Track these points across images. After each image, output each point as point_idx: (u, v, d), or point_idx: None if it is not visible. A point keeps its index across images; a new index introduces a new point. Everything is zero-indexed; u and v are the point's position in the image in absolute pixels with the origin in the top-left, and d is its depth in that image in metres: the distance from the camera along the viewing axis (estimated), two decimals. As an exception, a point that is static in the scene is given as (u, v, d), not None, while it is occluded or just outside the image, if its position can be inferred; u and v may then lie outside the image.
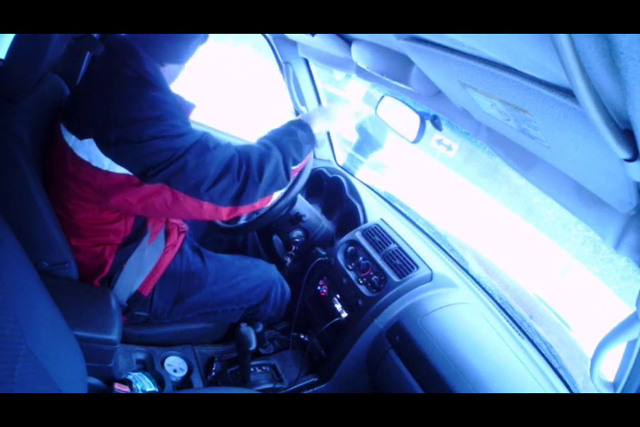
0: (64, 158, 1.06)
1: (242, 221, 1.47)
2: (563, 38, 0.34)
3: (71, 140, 1.04)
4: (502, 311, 1.32)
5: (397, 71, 0.98)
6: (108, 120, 1.01)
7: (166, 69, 1.11)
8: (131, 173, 1.02)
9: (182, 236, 1.34)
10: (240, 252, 1.70)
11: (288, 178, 1.14)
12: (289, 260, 1.52)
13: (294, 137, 1.14)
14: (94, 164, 1.02)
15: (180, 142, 1.02)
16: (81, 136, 1.03)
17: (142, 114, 1.01)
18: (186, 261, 1.31)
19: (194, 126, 1.10)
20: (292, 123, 1.19)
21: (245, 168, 1.06)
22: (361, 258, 1.42)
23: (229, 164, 1.05)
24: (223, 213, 1.09)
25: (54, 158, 1.10)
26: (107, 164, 1.02)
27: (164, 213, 1.10)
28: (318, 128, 1.20)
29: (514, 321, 1.29)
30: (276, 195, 1.17)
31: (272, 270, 1.48)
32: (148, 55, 1.06)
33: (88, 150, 1.02)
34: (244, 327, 1.32)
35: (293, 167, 1.15)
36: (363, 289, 1.35)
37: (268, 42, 1.77)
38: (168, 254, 1.27)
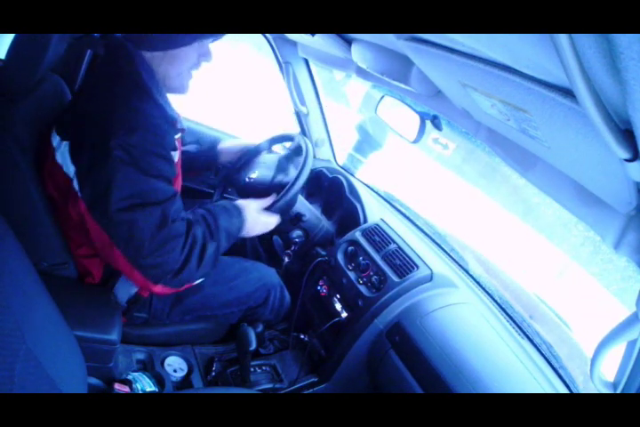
0: (47, 157, 1.04)
1: None
2: (563, 38, 0.34)
3: (56, 140, 1.03)
4: (502, 311, 1.32)
5: (397, 71, 0.98)
6: (88, 124, 0.98)
7: (155, 59, 1.05)
8: (79, 194, 0.97)
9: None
10: (239, 251, 1.70)
11: (214, 266, 1.11)
12: (287, 259, 1.52)
13: (232, 230, 1.15)
14: (64, 169, 1.00)
15: (151, 186, 0.98)
16: (63, 137, 1.01)
17: (130, 130, 0.96)
18: None
19: (191, 126, 1.07)
20: (237, 213, 1.19)
21: (187, 253, 1.03)
22: (361, 258, 1.42)
23: (178, 241, 1.02)
24: (146, 285, 1.04)
25: (43, 159, 1.08)
26: (72, 172, 0.99)
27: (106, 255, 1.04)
28: (250, 229, 1.22)
29: (514, 321, 1.29)
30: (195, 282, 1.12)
31: (272, 274, 1.47)
32: (136, 47, 1.02)
33: (63, 153, 1.00)
34: (244, 327, 1.31)
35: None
36: (363, 289, 1.35)
37: (268, 42, 1.77)
38: (168, 255, 1.27)
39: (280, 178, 1.47)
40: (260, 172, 1.51)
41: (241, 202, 1.24)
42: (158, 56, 1.05)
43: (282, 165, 1.53)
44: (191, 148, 1.51)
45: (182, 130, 1.14)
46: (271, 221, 1.29)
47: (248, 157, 1.61)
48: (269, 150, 1.58)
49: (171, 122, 1.08)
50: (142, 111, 1.00)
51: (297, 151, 1.49)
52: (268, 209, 1.28)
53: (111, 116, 0.97)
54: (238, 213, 1.19)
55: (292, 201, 1.38)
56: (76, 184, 0.99)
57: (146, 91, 1.02)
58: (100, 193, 0.96)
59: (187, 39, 1.03)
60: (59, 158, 1.01)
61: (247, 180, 1.53)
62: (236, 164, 1.62)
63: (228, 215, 1.16)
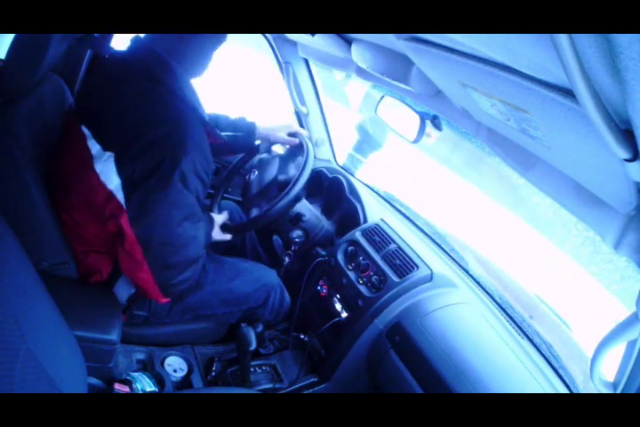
0: (82, 164, 1.04)
1: (242, 220, 1.47)
2: (563, 38, 0.34)
3: (96, 148, 1.03)
4: (502, 311, 1.32)
5: (397, 71, 0.98)
6: (138, 142, 1.00)
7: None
8: (124, 206, 1.00)
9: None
10: (239, 252, 1.70)
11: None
12: (287, 259, 1.52)
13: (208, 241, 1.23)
14: (102, 178, 1.01)
15: (185, 201, 1.03)
16: (105, 147, 1.01)
17: (181, 148, 0.99)
18: None
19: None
20: (211, 227, 1.28)
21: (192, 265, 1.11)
22: (361, 258, 1.42)
23: (191, 252, 1.08)
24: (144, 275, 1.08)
25: (69, 162, 1.08)
26: (114, 184, 1.00)
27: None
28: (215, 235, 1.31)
29: (514, 321, 1.29)
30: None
31: (272, 275, 1.48)
32: (181, 69, 1.06)
33: (104, 163, 1.01)
34: (244, 327, 1.31)
35: None
36: (363, 289, 1.35)
37: (268, 42, 1.77)
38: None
39: (280, 179, 1.48)
40: (260, 172, 1.51)
41: (212, 215, 1.33)
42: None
43: (282, 166, 1.53)
44: (229, 134, 1.55)
45: (221, 138, 1.21)
46: (223, 238, 1.36)
47: (248, 157, 1.61)
48: (269, 151, 1.59)
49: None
50: (195, 137, 1.03)
51: (297, 152, 1.49)
52: (222, 228, 1.36)
53: (167, 141, 0.99)
54: (212, 226, 1.29)
55: (294, 199, 1.38)
56: (121, 197, 1.01)
57: (194, 111, 1.06)
58: (148, 212, 1.00)
59: (208, 62, 1.13)
60: (98, 167, 1.02)
61: (247, 180, 1.54)
62: (236, 164, 1.63)
63: (209, 229, 1.25)
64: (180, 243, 1.04)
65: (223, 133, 1.53)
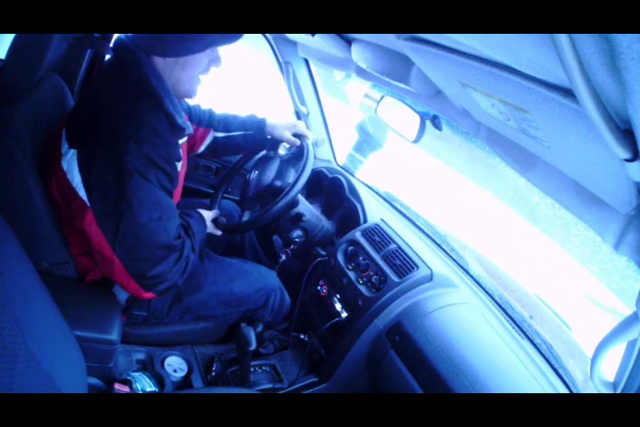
0: (53, 162, 1.06)
1: (242, 220, 1.47)
2: (563, 38, 0.34)
3: (65, 147, 1.04)
4: (502, 311, 1.32)
5: (397, 71, 0.98)
6: (97, 136, 0.99)
7: (168, 65, 1.06)
8: (87, 203, 1.00)
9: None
10: (238, 251, 1.70)
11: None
12: (283, 256, 1.51)
13: (203, 238, 1.26)
14: (68, 175, 1.02)
15: (150, 192, 1.02)
16: (70, 145, 1.02)
17: (134, 138, 0.98)
18: None
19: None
20: (204, 223, 1.29)
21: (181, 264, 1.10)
22: (361, 258, 1.42)
23: (169, 249, 1.07)
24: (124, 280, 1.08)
25: (49, 161, 1.09)
26: (76, 181, 1.01)
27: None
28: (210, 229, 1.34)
29: (514, 321, 1.29)
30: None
31: (272, 277, 1.47)
32: (148, 53, 1.03)
33: (69, 160, 1.02)
34: (244, 327, 1.31)
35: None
36: (363, 289, 1.35)
37: (268, 42, 1.77)
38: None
39: (276, 184, 1.47)
40: (260, 172, 1.51)
41: (201, 211, 1.33)
42: (170, 62, 1.06)
43: (282, 167, 1.53)
44: (239, 134, 1.55)
45: (188, 133, 1.15)
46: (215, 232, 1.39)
47: (249, 156, 1.61)
48: (275, 149, 1.58)
49: (179, 132, 1.10)
50: (151, 125, 1.01)
51: (299, 156, 1.49)
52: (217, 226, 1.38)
53: (121, 130, 0.98)
54: (204, 222, 1.29)
55: (294, 199, 1.38)
56: (83, 194, 1.01)
57: (156, 99, 1.03)
58: (111, 207, 0.99)
59: (201, 46, 1.04)
60: (64, 165, 1.03)
61: (247, 178, 1.53)
62: (236, 163, 1.63)
63: (200, 226, 1.26)
64: (145, 234, 1.02)
65: (236, 133, 1.54)
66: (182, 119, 1.09)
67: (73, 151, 1.01)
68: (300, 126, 1.52)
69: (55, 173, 1.06)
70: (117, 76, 1.05)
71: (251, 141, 1.54)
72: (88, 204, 1.01)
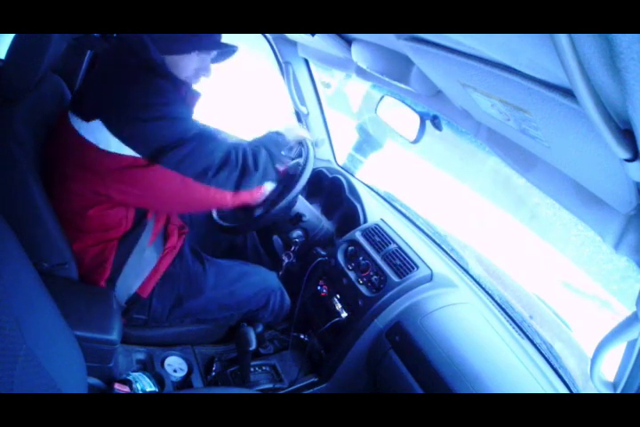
0: (69, 145, 1.06)
1: (242, 220, 1.47)
2: (563, 38, 0.34)
3: (77, 123, 1.05)
4: (502, 311, 1.32)
5: (397, 71, 0.98)
6: (117, 101, 1.04)
7: (172, 59, 1.11)
8: (139, 155, 1.04)
9: (182, 238, 1.33)
10: (240, 252, 1.70)
11: (277, 172, 1.23)
12: (286, 259, 1.52)
13: (275, 140, 1.28)
14: (101, 146, 1.03)
15: (186, 127, 1.08)
16: (87, 118, 1.03)
17: (149, 98, 1.04)
18: (185, 264, 1.31)
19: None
20: (269, 132, 1.32)
21: (242, 159, 1.15)
22: (361, 258, 1.42)
23: (229, 154, 1.13)
24: (229, 199, 1.14)
25: (59, 151, 1.09)
26: (114, 145, 1.03)
27: (172, 202, 1.14)
28: (290, 135, 1.35)
29: (514, 321, 1.29)
30: (268, 188, 1.23)
31: (272, 278, 1.47)
32: (153, 44, 1.07)
33: (94, 132, 1.03)
34: (244, 327, 1.31)
35: (277, 165, 1.25)
36: (363, 289, 1.35)
37: (268, 42, 1.77)
38: (167, 256, 1.27)
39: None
40: None
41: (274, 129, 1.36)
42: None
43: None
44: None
45: (198, 95, 1.21)
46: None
47: None
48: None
49: (184, 95, 1.16)
50: (161, 86, 1.07)
51: (298, 155, 1.48)
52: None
53: (136, 92, 1.04)
54: (280, 137, 1.31)
55: (294, 199, 1.38)
56: (127, 152, 1.04)
57: (159, 69, 1.08)
58: (156, 145, 1.05)
59: (184, 47, 1.10)
60: (89, 137, 1.04)
61: None
62: None
63: (265, 135, 1.29)
64: (216, 162, 1.09)
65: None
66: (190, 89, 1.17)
67: (96, 122, 1.03)
68: (303, 134, 1.51)
69: (77, 152, 1.06)
70: (122, 54, 1.09)
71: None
72: (139, 155, 1.04)
